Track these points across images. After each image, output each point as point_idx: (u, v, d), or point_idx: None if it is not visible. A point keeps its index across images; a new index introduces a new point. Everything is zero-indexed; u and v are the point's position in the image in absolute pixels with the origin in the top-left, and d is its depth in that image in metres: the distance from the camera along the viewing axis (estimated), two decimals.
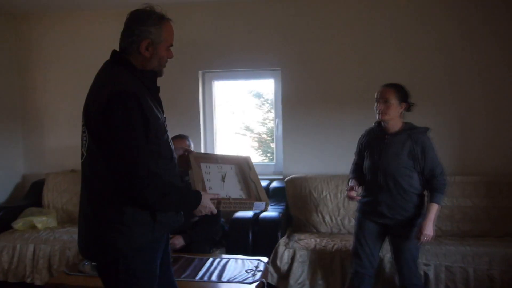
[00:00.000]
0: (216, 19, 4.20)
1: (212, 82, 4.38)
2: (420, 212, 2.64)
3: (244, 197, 1.97)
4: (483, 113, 3.83)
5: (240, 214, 3.46)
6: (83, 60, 4.40)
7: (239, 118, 4.66)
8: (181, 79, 4.21)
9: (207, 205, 1.78)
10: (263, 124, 4.76)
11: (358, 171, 2.84)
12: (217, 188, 1.95)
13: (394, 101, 2.59)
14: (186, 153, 2.06)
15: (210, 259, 2.84)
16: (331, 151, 4.00)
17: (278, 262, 3.20)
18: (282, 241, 3.30)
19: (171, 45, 1.80)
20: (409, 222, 2.63)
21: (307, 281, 3.17)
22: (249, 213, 3.45)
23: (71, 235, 3.68)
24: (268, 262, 2.80)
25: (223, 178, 2.01)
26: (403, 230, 2.64)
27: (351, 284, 2.77)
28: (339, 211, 3.66)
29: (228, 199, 1.90)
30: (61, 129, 4.64)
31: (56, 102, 4.61)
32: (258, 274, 2.59)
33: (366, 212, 2.75)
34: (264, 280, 2.57)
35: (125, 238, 1.66)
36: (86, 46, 4.44)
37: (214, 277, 2.58)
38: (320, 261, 3.18)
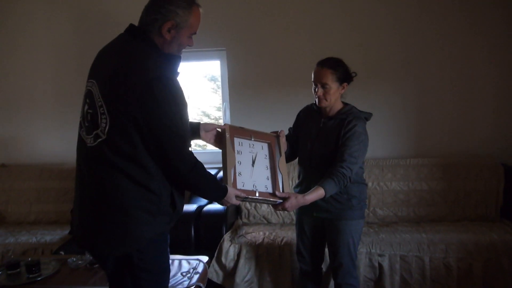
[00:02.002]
0: None
1: None
2: (352, 203, 2.33)
3: (269, 188, 2.07)
4: (442, 91, 3.64)
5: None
6: (16, 43, 4.00)
7: (194, 103, 4.32)
8: None
9: (230, 201, 1.86)
10: (220, 109, 4.44)
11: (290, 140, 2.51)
12: (246, 174, 2.02)
13: (333, 84, 2.25)
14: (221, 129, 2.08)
15: None
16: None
17: (223, 259, 2.94)
18: (227, 236, 3.04)
19: (195, 33, 1.72)
20: (343, 215, 2.35)
21: (255, 279, 2.93)
22: (191, 206, 3.16)
23: None
24: (208, 262, 2.53)
25: (253, 162, 2.07)
26: (338, 224, 2.36)
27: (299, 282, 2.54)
28: None
29: (254, 193, 1.97)
30: None
31: None
32: (195, 277, 2.32)
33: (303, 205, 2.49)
34: (201, 284, 2.30)
35: (147, 228, 1.61)
36: (19, 27, 4.00)
37: None
38: (268, 256, 2.93)
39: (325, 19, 3.67)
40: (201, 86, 4.23)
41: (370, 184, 3.42)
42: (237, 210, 3.50)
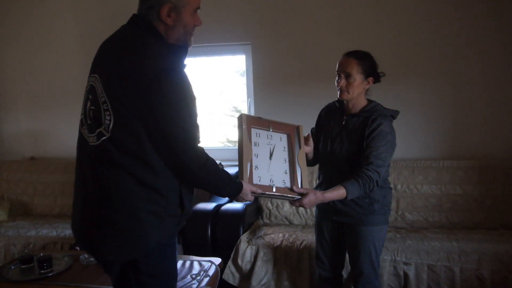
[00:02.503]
0: None
1: None
2: (374, 208, 2.17)
3: (287, 182, 1.96)
4: (480, 88, 3.38)
5: (200, 205, 3.09)
6: (44, 40, 4.04)
7: (225, 98, 4.23)
8: None
9: (245, 198, 1.76)
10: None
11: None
12: (263, 168, 1.92)
13: (357, 75, 2.10)
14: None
15: None
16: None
17: (239, 261, 2.84)
18: (244, 237, 2.93)
19: (198, 8, 1.60)
20: (364, 220, 2.19)
21: (272, 282, 2.81)
22: (209, 205, 3.08)
23: (18, 230, 3.34)
24: (224, 263, 2.43)
25: (270, 155, 1.97)
26: (359, 229, 2.21)
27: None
28: None
29: (271, 188, 1.88)
30: (19, 113, 4.27)
31: (14, 84, 4.23)
32: (205, 281, 2.23)
33: (322, 208, 2.35)
34: None
35: (155, 232, 1.52)
36: (47, 25, 4.04)
37: None
38: (287, 260, 2.81)
39: (354, 12, 3.50)
40: (233, 81, 4.13)
41: (399, 186, 3.23)
42: (258, 210, 3.39)
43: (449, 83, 3.41)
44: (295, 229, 3.17)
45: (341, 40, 3.49)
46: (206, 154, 1.56)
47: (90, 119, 1.54)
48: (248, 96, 3.85)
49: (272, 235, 2.99)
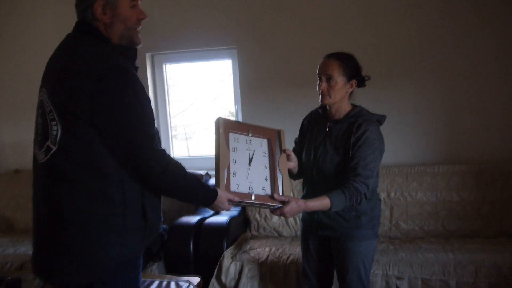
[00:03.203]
0: None
1: (163, 66, 3.84)
2: (361, 222, 2.02)
3: (267, 190, 1.86)
4: (473, 91, 3.22)
5: (183, 219, 2.95)
6: (26, 50, 3.93)
7: (220, 104, 4.09)
8: None
9: (222, 206, 1.65)
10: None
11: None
12: (241, 175, 1.82)
13: (339, 78, 1.96)
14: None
15: None
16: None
17: (223, 278, 2.69)
18: (228, 252, 2.78)
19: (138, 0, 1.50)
20: (351, 235, 2.05)
21: None
22: (193, 218, 2.94)
23: None
24: (199, 284, 2.29)
25: (250, 161, 1.87)
26: (346, 245, 2.06)
27: None
28: None
29: (250, 196, 1.77)
30: (3, 125, 4.17)
31: None
32: None
33: (306, 221, 2.21)
34: None
35: (113, 250, 1.40)
36: (36, 31, 3.93)
37: None
38: (273, 276, 2.66)
39: (341, 15, 3.36)
40: (227, 86, 3.98)
41: (392, 194, 3.08)
42: (246, 221, 3.25)
43: (440, 85, 3.26)
44: (284, 241, 3.03)
45: (330, 42, 3.33)
46: (168, 157, 1.46)
47: (39, 135, 1.45)
48: (236, 102, 3.71)
49: (258, 249, 2.84)
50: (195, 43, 3.64)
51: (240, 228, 3.17)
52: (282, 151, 1.98)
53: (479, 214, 2.98)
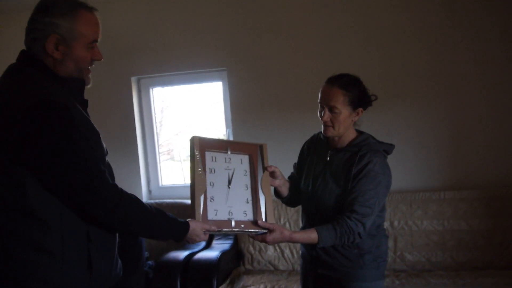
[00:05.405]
0: (149, 15, 3.51)
1: (150, 90, 3.67)
2: (364, 261, 1.81)
3: (249, 214, 1.70)
4: (482, 110, 3.07)
5: (171, 254, 2.72)
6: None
7: (212, 128, 3.95)
8: (110, 88, 3.52)
9: (198, 238, 1.52)
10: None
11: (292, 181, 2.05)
12: (220, 199, 1.67)
13: (344, 108, 1.74)
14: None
15: None
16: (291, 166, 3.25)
17: None
18: None
19: (95, 41, 1.39)
20: (353, 275, 1.83)
21: None
22: (181, 253, 2.71)
23: None
24: None
25: (229, 182, 1.71)
26: (347, 286, 1.85)
27: None
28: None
29: (229, 223, 1.63)
30: None
31: None
32: None
33: (306, 258, 1.98)
34: None
35: None
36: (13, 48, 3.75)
37: None
38: None
39: (336, 34, 3.23)
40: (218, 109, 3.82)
41: (396, 223, 2.89)
42: (238, 254, 3.02)
43: (444, 106, 3.11)
44: (280, 276, 2.80)
45: (323, 63, 3.20)
46: (120, 190, 1.32)
47: None
48: (227, 124, 3.53)
49: (252, 287, 2.60)
50: (183, 65, 3.51)
51: (233, 262, 2.95)
52: (265, 168, 1.78)
53: (491, 244, 2.81)
